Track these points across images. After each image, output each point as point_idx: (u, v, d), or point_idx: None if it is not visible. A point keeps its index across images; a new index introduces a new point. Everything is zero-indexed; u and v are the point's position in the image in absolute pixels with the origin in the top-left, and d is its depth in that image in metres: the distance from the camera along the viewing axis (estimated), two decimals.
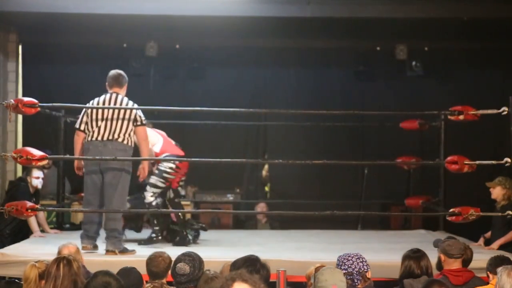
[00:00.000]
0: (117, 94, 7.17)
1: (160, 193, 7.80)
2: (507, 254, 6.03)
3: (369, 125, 11.11)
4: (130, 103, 7.15)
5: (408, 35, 10.04)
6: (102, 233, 7.25)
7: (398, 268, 5.34)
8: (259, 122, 11.01)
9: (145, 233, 8.07)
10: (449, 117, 7.46)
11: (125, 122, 7.05)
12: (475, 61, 10.90)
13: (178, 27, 9.54)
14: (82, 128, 7.16)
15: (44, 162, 7.01)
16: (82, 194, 9.22)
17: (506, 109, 7.25)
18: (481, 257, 5.98)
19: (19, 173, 9.49)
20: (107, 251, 6.96)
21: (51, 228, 8.87)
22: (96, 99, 7.19)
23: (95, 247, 7.11)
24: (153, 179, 7.74)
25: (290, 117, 10.88)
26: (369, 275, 4.74)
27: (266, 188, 11.15)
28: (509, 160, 7.08)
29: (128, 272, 4.78)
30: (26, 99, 6.83)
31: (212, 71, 11.02)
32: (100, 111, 7.08)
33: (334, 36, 10.12)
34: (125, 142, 7.05)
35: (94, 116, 7.10)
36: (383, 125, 10.53)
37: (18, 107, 6.72)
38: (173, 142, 8.09)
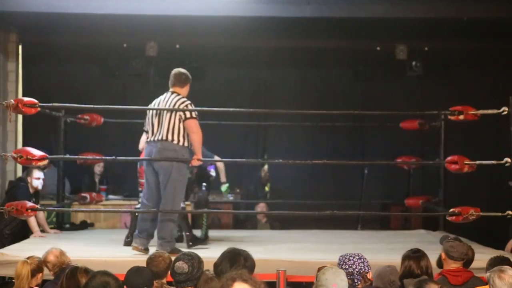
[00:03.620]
0: (173, 93, 7.17)
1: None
2: (507, 255, 6.03)
3: (369, 125, 11.12)
4: (182, 101, 7.08)
5: (408, 35, 10.04)
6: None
7: (398, 268, 5.34)
8: (259, 122, 11.01)
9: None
10: (449, 117, 7.47)
11: (172, 121, 7.01)
12: (475, 61, 10.91)
13: (178, 27, 9.54)
14: (145, 128, 7.27)
15: (44, 162, 7.01)
16: (82, 194, 9.30)
17: (506, 109, 7.25)
18: (481, 257, 5.97)
19: (19, 173, 9.49)
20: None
21: (51, 228, 8.87)
22: (157, 98, 7.24)
23: (146, 249, 7.02)
24: None
25: (290, 117, 10.88)
26: (369, 275, 4.74)
27: (266, 188, 11.14)
28: (509, 160, 7.09)
29: (139, 271, 4.79)
30: (26, 99, 6.83)
31: (212, 71, 11.02)
32: (154, 111, 7.12)
33: (334, 36, 10.12)
34: (175, 141, 7.00)
35: (149, 116, 7.17)
36: (383, 125, 10.52)
37: (18, 107, 6.72)
38: None
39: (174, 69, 7.35)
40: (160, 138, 7.01)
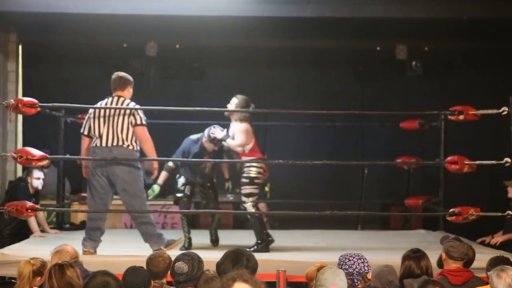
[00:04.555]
0: (119, 97, 7.12)
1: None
2: (507, 254, 6.03)
3: (369, 125, 11.12)
4: (131, 104, 7.09)
5: (408, 35, 10.03)
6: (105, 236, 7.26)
7: (398, 268, 5.34)
8: (259, 122, 11.00)
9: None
10: (449, 117, 7.46)
11: (126, 126, 6.99)
12: (475, 61, 10.90)
13: (178, 27, 9.53)
14: (85, 132, 7.16)
15: (44, 162, 7.01)
16: (82, 194, 9.29)
17: (506, 109, 7.25)
18: (481, 257, 5.97)
19: (19, 173, 9.49)
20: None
21: (51, 228, 8.88)
22: (98, 103, 7.16)
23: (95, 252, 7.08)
24: (247, 189, 7.52)
25: (290, 117, 10.88)
26: (369, 276, 4.74)
27: (266, 188, 11.13)
28: (509, 160, 7.09)
29: (137, 271, 4.79)
30: (26, 99, 6.82)
31: (212, 71, 11.02)
32: (101, 116, 7.03)
33: (334, 36, 10.12)
34: (130, 147, 6.99)
35: (92, 122, 7.07)
36: (383, 125, 10.53)
37: (18, 107, 6.72)
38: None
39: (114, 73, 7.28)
40: (114, 144, 6.97)
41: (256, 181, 7.54)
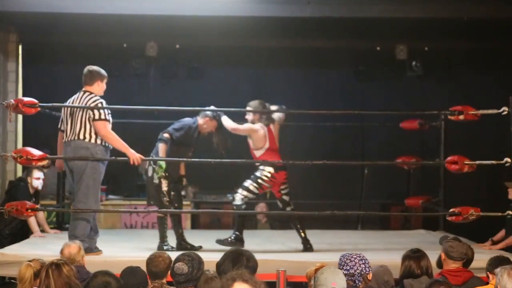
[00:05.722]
0: (85, 92, 7.06)
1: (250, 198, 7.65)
2: (507, 254, 6.03)
3: (369, 125, 11.12)
4: (93, 99, 6.97)
5: (408, 35, 10.04)
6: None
7: (398, 268, 5.34)
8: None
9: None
10: (449, 117, 7.47)
11: (84, 120, 6.92)
12: (475, 61, 10.90)
13: (178, 27, 9.53)
14: (61, 127, 7.19)
15: (44, 162, 7.00)
16: None
17: (506, 109, 7.25)
18: (481, 257, 5.98)
19: (19, 173, 9.49)
20: None
21: (51, 228, 8.87)
22: (70, 98, 7.15)
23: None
24: (247, 182, 7.57)
25: (290, 117, 10.86)
26: (370, 277, 4.74)
27: None
28: (509, 160, 7.09)
29: (134, 272, 4.79)
30: (26, 99, 6.83)
31: (212, 71, 11.02)
32: (67, 111, 7.03)
33: (334, 36, 10.12)
34: (86, 140, 6.92)
35: (63, 116, 7.11)
36: (383, 125, 10.53)
37: (18, 107, 6.72)
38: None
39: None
40: (72, 138, 6.95)
41: (260, 181, 7.54)
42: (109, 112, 6.99)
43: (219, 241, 7.44)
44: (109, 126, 6.95)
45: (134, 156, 6.97)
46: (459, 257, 5.37)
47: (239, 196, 7.56)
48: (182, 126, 7.59)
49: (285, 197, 7.78)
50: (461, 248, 5.41)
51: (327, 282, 4.19)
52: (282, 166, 7.66)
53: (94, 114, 6.92)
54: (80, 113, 6.95)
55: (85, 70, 7.17)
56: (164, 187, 7.41)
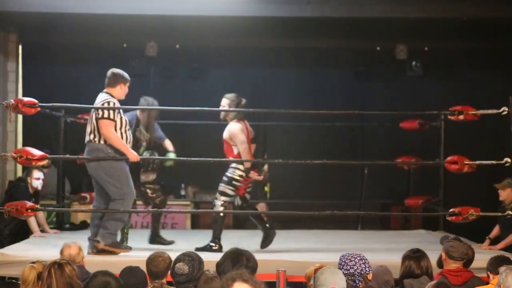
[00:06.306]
0: (105, 93, 7.06)
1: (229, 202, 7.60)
2: (507, 254, 6.03)
3: (369, 125, 11.12)
4: (103, 99, 6.96)
5: (408, 35, 10.04)
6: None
7: (398, 268, 5.34)
8: (259, 122, 11.01)
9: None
10: (449, 117, 7.47)
11: (94, 121, 6.94)
12: (475, 61, 10.90)
13: (178, 27, 9.54)
14: None
15: (44, 162, 7.01)
16: (82, 194, 9.31)
17: (506, 109, 7.25)
18: (481, 257, 5.97)
19: (19, 173, 9.49)
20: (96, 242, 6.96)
21: (51, 228, 8.87)
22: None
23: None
24: (222, 187, 7.51)
25: (290, 117, 10.88)
26: (370, 277, 4.74)
27: (266, 188, 11.14)
28: (509, 160, 7.09)
29: (133, 271, 4.79)
30: (26, 99, 6.83)
31: (212, 71, 11.02)
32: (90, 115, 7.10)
33: (334, 36, 10.12)
34: (96, 141, 6.92)
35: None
36: (383, 125, 10.53)
37: (18, 107, 6.72)
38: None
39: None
40: (87, 139, 6.98)
41: (234, 183, 7.48)
42: (118, 111, 6.97)
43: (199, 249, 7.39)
44: (113, 126, 6.91)
45: (133, 156, 7.00)
46: (460, 257, 5.37)
47: (218, 203, 7.52)
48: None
49: (247, 195, 7.73)
50: (462, 248, 5.41)
51: (327, 282, 4.19)
52: (255, 164, 7.63)
53: (99, 113, 6.92)
54: (93, 114, 6.99)
55: (109, 72, 7.14)
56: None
